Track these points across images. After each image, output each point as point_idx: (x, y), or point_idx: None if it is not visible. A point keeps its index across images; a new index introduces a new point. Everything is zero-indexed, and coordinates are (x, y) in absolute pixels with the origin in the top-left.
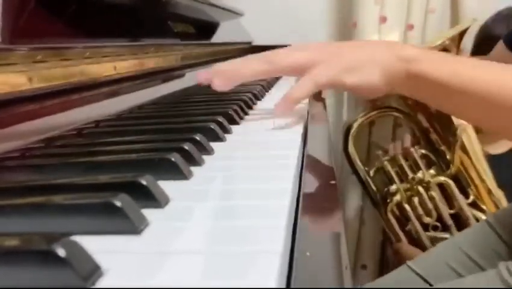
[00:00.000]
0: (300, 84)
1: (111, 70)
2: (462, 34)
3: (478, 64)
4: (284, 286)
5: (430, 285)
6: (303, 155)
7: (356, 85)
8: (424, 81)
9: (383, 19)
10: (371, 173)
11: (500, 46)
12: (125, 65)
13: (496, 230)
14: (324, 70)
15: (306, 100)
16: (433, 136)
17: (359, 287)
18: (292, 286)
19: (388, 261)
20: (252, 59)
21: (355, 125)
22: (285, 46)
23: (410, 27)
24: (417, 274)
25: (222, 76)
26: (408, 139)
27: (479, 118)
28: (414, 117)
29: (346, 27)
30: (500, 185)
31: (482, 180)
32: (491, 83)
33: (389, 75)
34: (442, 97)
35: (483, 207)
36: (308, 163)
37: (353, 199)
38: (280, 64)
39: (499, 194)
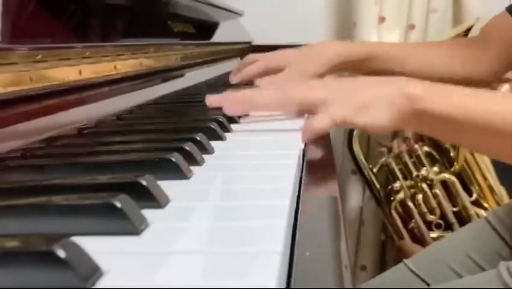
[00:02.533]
0: (319, 120)
1: (111, 70)
2: (466, 33)
3: (484, 93)
4: (284, 286)
5: (428, 284)
6: (304, 154)
7: (367, 125)
8: (431, 118)
9: (382, 19)
10: (375, 170)
11: (502, 17)
12: (125, 65)
13: (497, 229)
14: (338, 111)
15: None
16: None
17: (359, 287)
18: (292, 286)
19: (388, 261)
20: (267, 90)
21: None
22: (285, 46)
23: (411, 27)
24: (415, 273)
25: (234, 102)
26: (412, 138)
27: (496, 149)
28: None
29: (345, 27)
30: (502, 185)
31: (486, 178)
32: (504, 114)
33: (397, 114)
34: (452, 132)
35: (486, 205)
36: (308, 163)
37: (354, 199)
38: (294, 99)
39: (502, 192)
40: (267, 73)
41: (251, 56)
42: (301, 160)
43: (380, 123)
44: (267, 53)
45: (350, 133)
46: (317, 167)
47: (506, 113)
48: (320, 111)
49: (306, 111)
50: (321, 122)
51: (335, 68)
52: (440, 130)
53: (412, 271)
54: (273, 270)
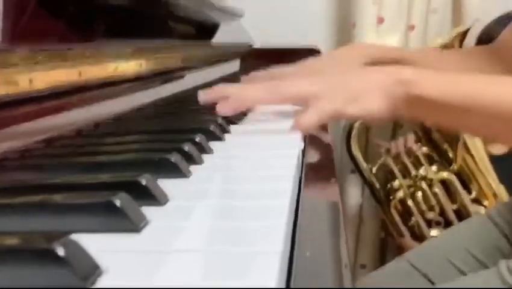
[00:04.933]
0: (306, 115)
1: (111, 72)
2: (464, 34)
3: (479, 77)
4: (284, 286)
5: (428, 278)
6: (303, 154)
7: (359, 115)
8: (426, 102)
9: (380, 20)
10: (374, 170)
11: (508, 31)
12: (125, 66)
13: (498, 224)
14: (327, 104)
15: None
16: (436, 135)
17: (358, 287)
18: (292, 286)
19: (387, 259)
20: (257, 85)
21: (356, 125)
22: (285, 48)
23: (411, 28)
24: (414, 267)
25: (226, 102)
26: (411, 139)
27: (487, 133)
28: None
29: (345, 28)
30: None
31: (485, 177)
32: (497, 97)
33: (390, 101)
34: (445, 116)
35: (486, 203)
36: (308, 163)
37: (353, 199)
38: (284, 93)
39: (501, 189)
40: None
41: (281, 70)
42: (300, 160)
43: (373, 111)
44: (297, 67)
45: (349, 134)
46: (317, 167)
47: (503, 95)
48: (310, 106)
49: (297, 105)
50: (308, 119)
51: None
52: (435, 115)
53: (412, 265)
54: (272, 269)
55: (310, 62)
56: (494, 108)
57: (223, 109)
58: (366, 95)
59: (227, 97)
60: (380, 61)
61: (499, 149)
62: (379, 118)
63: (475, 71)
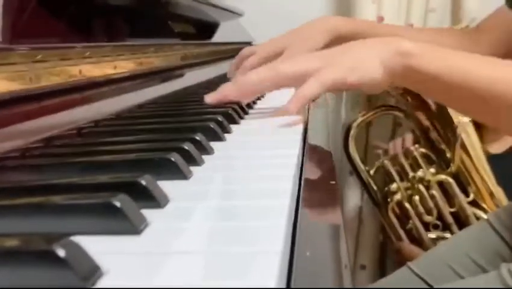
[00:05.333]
0: (307, 85)
1: (111, 70)
2: None
3: (475, 57)
4: (284, 286)
5: (430, 286)
6: (303, 154)
7: (359, 82)
8: (422, 74)
9: (380, 18)
10: (372, 172)
11: (499, 13)
12: (125, 65)
13: (498, 230)
14: (328, 73)
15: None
16: (434, 134)
17: (358, 287)
18: (292, 286)
19: (387, 261)
20: (258, 70)
21: (355, 125)
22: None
23: (409, 26)
24: (418, 276)
25: (230, 91)
26: (409, 139)
27: (477, 112)
28: (413, 116)
29: None
30: (499, 184)
31: (482, 179)
32: (492, 75)
33: (388, 70)
34: (441, 90)
35: (484, 205)
36: (308, 163)
37: (352, 199)
38: (286, 73)
39: (499, 192)
40: (267, 62)
41: (247, 49)
42: (301, 160)
43: (372, 78)
44: (262, 43)
45: (346, 135)
46: (317, 167)
47: (505, 75)
48: (312, 76)
49: (301, 83)
50: (310, 87)
51: (333, 43)
52: (431, 87)
53: (416, 274)
54: (272, 269)
55: (276, 39)
56: (486, 89)
57: (234, 95)
58: (366, 63)
59: (231, 93)
60: (348, 35)
61: (497, 148)
62: (378, 86)
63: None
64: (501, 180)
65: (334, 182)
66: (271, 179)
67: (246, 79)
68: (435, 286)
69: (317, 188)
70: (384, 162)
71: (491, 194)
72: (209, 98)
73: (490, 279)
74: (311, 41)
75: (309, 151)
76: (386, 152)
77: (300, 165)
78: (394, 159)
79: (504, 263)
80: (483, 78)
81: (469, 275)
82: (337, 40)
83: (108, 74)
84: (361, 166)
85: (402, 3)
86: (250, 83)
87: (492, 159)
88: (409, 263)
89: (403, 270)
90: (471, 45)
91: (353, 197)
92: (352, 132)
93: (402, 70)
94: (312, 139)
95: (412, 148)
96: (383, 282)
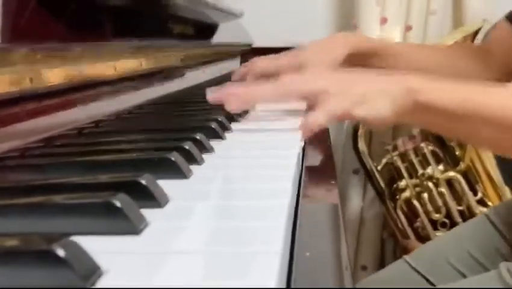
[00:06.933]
0: (315, 116)
1: (111, 70)
2: (474, 35)
3: (486, 89)
4: (284, 286)
5: (427, 280)
6: (303, 154)
7: (365, 117)
8: (433, 110)
9: (384, 20)
10: (379, 168)
11: (500, 27)
12: (125, 66)
13: (498, 227)
14: (336, 104)
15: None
16: None
17: (359, 287)
18: (292, 286)
19: (388, 261)
20: (265, 83)
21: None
22: (286, 48)
23: (408, 28)
24: (414, 269)
25: (235, 97)
26: (418, 136)
27: (492, 143)
28: None
29: (347, 28)
30: (507, 184)
31: (490, 177)
32: (504, 106)
33: (398, 107)
34: (452, 125)
35: (490, 204)
36: (308, 163)
37: (353, 199)
38: (294, 90)
39: (506, 191)
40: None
41: (257, 59)
42: (301, 160)
43: (381, 115)
44: (275, 55)
45: (355, 132)
46: (317, 166)
47: (505, 106)
48: (319, 104)
49: (306, 101)
50: (317, 119)
51: (345, 61)
52: (442, 123)
53: (412, 267)
54: (272, 269)
55: (296, 52)
56: (499, 120)
57: (231, 105)
58: (375, 99)
59: (236, 94)
60: (361, 51)
61: None
62: (385, 122)
63: (457, 67)
64: (509, 180)
65: (334, 182)
66: (272, 179)
67: (253, 92)
68: (433, 282)
69: (317, 188)
70: (392, 159)
71: (499, 193)
72: (211, 96)
73: (490, 278)
74: (331, 56)
75: (310, 151)
76: (394, 148)
77: (300, 165)
78: (403, 156)
79: (503, 262)
80: (498, 107)
81: (467, 270)
82: (353, 56)
83: (108, 74)
84: (370, 163)
85: (402, 4)
86: (258, 98)
87: (500, 160)
88: (405, 256)
89: (399, 263)
90: (485, 69)
91: (355, 197)
92: (361, 131)
93: (412, 107)
94: (313, 139)
95: (422, 145)
96: (380, 275)
